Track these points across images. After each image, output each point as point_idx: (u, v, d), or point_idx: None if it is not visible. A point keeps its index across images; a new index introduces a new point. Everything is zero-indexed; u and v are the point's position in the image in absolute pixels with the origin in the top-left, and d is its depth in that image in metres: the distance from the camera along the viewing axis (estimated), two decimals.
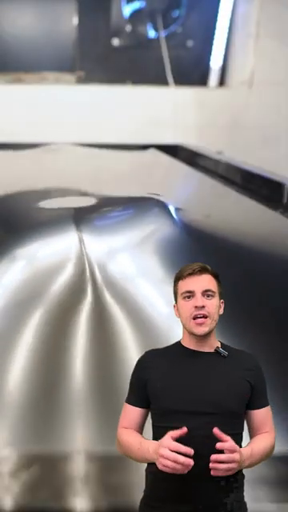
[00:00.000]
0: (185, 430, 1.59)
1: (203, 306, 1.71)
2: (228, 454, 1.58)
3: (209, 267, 1.80)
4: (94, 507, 2.04)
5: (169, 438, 1.58)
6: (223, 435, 1.59)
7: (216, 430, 1.58)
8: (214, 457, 1.57)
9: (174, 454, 1.56)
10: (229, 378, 1.71)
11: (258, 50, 10.65)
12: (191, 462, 1.56)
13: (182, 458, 1.56)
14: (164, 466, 1.57)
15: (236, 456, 1.58)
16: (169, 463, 1.56)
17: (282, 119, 10.76)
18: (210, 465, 1.58)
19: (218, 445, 1.58)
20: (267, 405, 1.77)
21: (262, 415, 1.75)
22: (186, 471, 1.57)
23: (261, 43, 10.61)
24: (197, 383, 1.70)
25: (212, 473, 1.58)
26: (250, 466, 1.68)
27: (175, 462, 1.56)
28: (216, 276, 1.79)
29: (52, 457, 2.27)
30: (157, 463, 1.60)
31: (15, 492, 2.04)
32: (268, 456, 1.75)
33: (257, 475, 2.06)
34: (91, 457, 2.21)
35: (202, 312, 1.71)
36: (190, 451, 1.56)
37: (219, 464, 1.57)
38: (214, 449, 1.63)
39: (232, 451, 1.58)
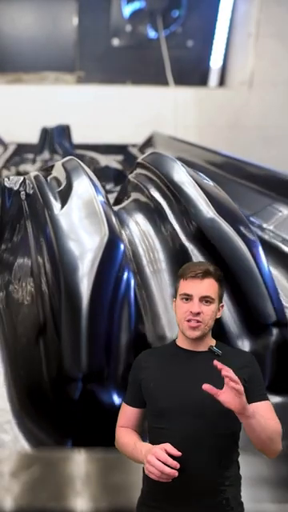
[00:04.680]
0: (179, 453, 1.58)
1: (198, 313, 1.70)
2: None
3: (213, 270, 1.76)
4: (94, 507, 2.04)
5: (161, 449, 1.58)
6: (224, 366, 1.55)
7: (216, 362, 1.55)
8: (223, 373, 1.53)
9: (161, 464, 1.56)
10: (221, 377, 1.69)
11: (257, 49, 10.66)
12: (175, 473, 1.57)
13: (167, 470, 1.56)
14: (150, 472, 1.59)
15: (241, 387, 1.52)
16: (155, 471, 1.57)
17: (282, 119, 10.77)
18: (223, 372, 1.53)
19: (223, 373, 1.53)
20: (265, 399, 1.71)
21: (260, 409, 1.68)
22: (170, 480, 1.57)
23: (261, 43, 10.63)
24: (189, 383, 1.69)
25: (229, 379, 1.52)
26: (255, 424, 1.58)
27: (161, 471, 1.56)
28: (219, 279, 1.76)
29: (52, 457, 2.27)
30: (144, 467, 1.61)
31: (15, 492, 2.04)
32: (273, 434, 1.63)
33: (257, 475, 2.06)
34: (91, 457, 2.22)
35: (196, 318, 1.70)
36: (176, 465, 1.56)
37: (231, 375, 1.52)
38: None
39: (235, 381, 1.53)
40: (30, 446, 2.31)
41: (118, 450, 1.80)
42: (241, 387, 1.53)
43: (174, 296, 1.78)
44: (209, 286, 1.73)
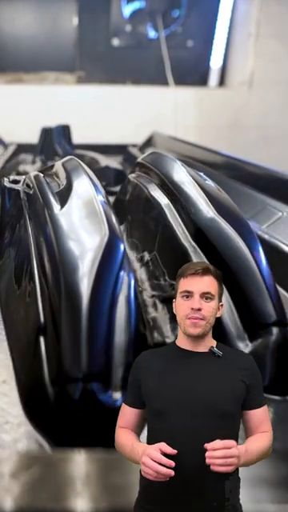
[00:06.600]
0: (174, 451, 1.57)
1: (199, 309, 1.70)
2: (224, 449, 1.53)
3: (212, 268, 1.77)
4: (94, 508, 2.04)
5: (155, 449, 1.58)
6: (214, 443, 1.54)
7: (206, 445, 1.55)
8: (208, 445, 1.53)
9: (156, 464, 1.55)
10: (222, 379, 1.69)
11: (257, 49, 10.66)
12: (172, 472, 1.55)
13: (163, 470, 1.55)
14: (146, 473, 1.58)
15: (234, 451, 1.53)
16: (150, 472, 1.56)
17: (282, 119, 10.77)
18: (207, 454, 1.52)
19: (208, 446, 1.53)
20: (264, 405, 1.74)
21: (259, 415, 1.72)
22: (168, 479, 1.56)
23: (261, 43, 10.63)
24: (189, 384, 1.68)
25: (212, 467, 1.52)
26: (245, 464, 1.63)
27: (156, 471, 1.55)
28: (218, 277, 1.77)
29: (52, 457, 2.27)
30: (141, 469, 1.61)
31: (15, 493, 2.04)
32: (265, 455, 1.70)
33: (257, 475, 2.06)
34: (91, 457, 2.21)
35: (197, 315, 1.70)
36: (171, 463, 1.55)
37: (215, 453, 1.52)
38: (205, 449, 1.62)
39: (229, 446, 1.53)
40: (30, 447, 2.31)
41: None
42: (234, 452, 1.54)
43: (175, 297, 1.78)
44: (209, 283, 1.73)
